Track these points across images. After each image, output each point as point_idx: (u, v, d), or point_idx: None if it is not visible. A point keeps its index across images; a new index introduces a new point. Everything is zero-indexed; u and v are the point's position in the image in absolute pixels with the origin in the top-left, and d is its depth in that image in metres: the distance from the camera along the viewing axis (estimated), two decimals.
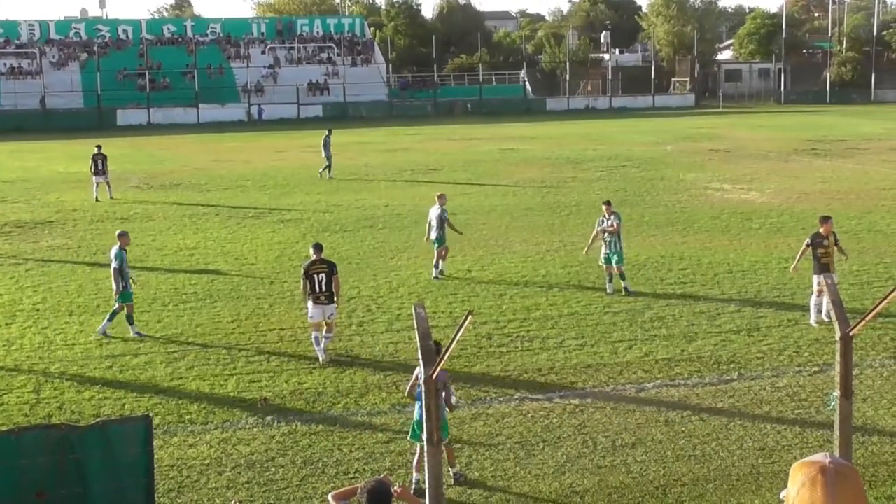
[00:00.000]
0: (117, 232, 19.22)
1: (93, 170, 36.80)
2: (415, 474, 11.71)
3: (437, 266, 22.48)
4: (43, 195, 38.03)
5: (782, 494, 3.45)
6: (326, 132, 43.88)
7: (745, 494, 11.26)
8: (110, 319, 18.38)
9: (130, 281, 18.57)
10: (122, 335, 18.22)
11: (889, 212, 29.94)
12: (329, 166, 42.27)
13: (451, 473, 11.63)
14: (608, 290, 20.59)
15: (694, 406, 13.93)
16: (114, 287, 18.33)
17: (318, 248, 17.34)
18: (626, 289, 20.51)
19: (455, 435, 12.81)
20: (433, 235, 22.42)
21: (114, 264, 18.29)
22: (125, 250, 18.55)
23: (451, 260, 23.45)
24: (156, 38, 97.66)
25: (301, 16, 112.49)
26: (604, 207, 21.09)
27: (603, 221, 20.82)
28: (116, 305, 18.39)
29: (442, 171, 43.09)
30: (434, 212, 22.52)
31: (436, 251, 22.52)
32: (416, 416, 11.43)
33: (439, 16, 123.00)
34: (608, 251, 20.61)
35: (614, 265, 20.61)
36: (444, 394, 11.14)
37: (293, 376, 15.66)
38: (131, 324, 18.33)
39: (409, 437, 12.01)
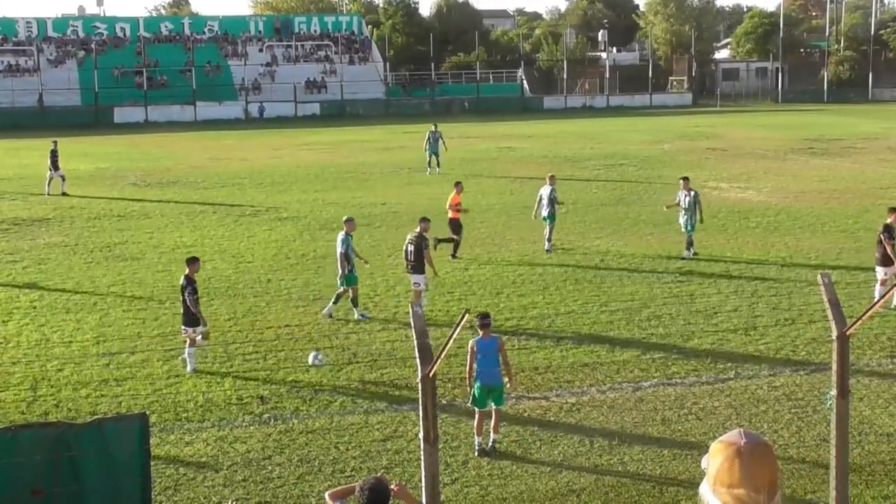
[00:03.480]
0: (344, 218, 19.71)
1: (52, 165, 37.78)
2: (477, 438, 12.53)
3: (549, 240, 24.88)
4: (40, 193, 37.99)
5: (703, 463, 3.84)
6: (433, 127, 43.57)
7: None
8: (335, 302, 18.87)
9: (360, 263, 19.30)
10: (345, 317, 18.76)
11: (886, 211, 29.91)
12: (437, 162, 42.38)
13: (491, 438, 12.47)
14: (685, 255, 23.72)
15: (691, 405, 13.94)
16: (339, 271, 18.88)
17: (420, 220, 19.41)
18: (692, 255, 23.58)
19: (452, 433, 12.83)
20: (544, 213, 24.87)
21: (340, 249, 18.80)
22: (351, 235, 19.05)
23: (447, 258, 23.45)
24: (153, 35, 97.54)
25: (299, 14, 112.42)
26: (682, 182, 24.15)
27: (681, 195, 23.85)
28: (340, 289, 18.88)
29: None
30: (545, 191, 24.95)
31: (548, 227, 24.86)
32: (477, 383, 12.43)
33: (437, 14, 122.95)
34: (686, 220, 23.69)
35: (689, 233, 23.79)
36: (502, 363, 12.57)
37: (290, 374, 15.66)
38: (356, 306, 18.80)
39: (469, 403, 12.79)
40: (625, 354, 16.36)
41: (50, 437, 8.37)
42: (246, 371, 15.91)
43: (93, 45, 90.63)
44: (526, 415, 13.69)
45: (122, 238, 28.02)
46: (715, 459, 3.71)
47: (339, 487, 7.90)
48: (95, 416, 12.26)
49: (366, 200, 34.31)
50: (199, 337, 16.31)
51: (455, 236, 24.37)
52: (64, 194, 37.15)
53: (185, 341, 16.21)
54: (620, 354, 16.36)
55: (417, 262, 18.70)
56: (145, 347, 17.29)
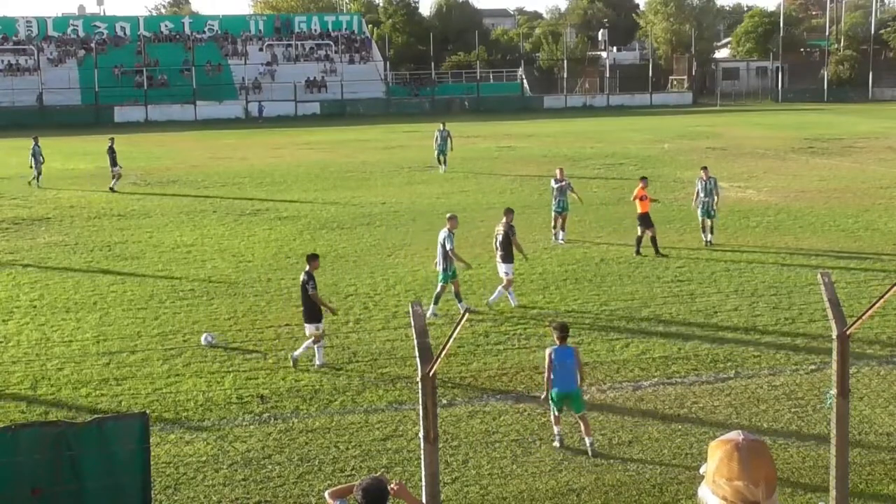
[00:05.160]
0: (447, 215, 19.72)
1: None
2: (555, 427, 12.74)
3: (563, 230, 26.46)
4: (40, 192, 38.03)
5: (702, 469, 3.90)
6: (441, 125, 44.05)
7: None
8: (436, 302, 19.05)
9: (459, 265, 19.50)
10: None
11: (886, 210, 29.96)
12: (444, 160, 42.52)
13: (587, 443, 12.44)
14: (704, 239, 25.39)
15: (690, 404, 13.94)
16: (438, 268, 19.11)
17: (505, 212, 20.24)
18: (710, 241, 25.24)
19: (452, 432, 12.83)
20: (555, 204, 26.72)
21: (449, 245, 18.82)
22: (454, 233, 19.20)
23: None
24: (153, 35, 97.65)
25: (299, 13, 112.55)
26: (702, 172, 25.74)
27: (702, 183, 25.45)
28: (439, 287, 19.09)
29: (439, 168, 43.04)
30: (554, 184, 26.79)
31: (559, 217, 26.63)
32: (555, 389, 12.43)
33: (437, 13, 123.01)
34: (707, 207, 25.36)
35: (710, 219, 25.39)
36: (577, 371, 12.52)
37: (290, 374, 15.65)
38: (460, 301, 18.98)
39: (553, 412, 12.72)
40: (625, 354, 16.36)
41: (50, 436, 8.37)
42: (246, 370, 15.90)
43: (93, 45, 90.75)
44: (526, 413, 13.68)
45: (122, 237, 28.02)
46: (714, 456, 3.76)
47: (339, 486, 7.90)
48: (96, 416, 12.26)
49: (366, 200, 34.31)
50: (317, 332, 16.17)
51: (646, 230, 24.07)
52: (111, 190, 37.50)
53: (311, 338, 16.08)
54: (620, 354, 16.37)
55: (506, 252, 19.53)
56: (145, 347, 17.29)
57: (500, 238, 19.77)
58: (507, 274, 19.62)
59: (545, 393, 12.66)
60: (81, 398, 14.72)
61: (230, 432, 13.27)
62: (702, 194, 25.34)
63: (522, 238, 26.23)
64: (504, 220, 19.98)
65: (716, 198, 25.33)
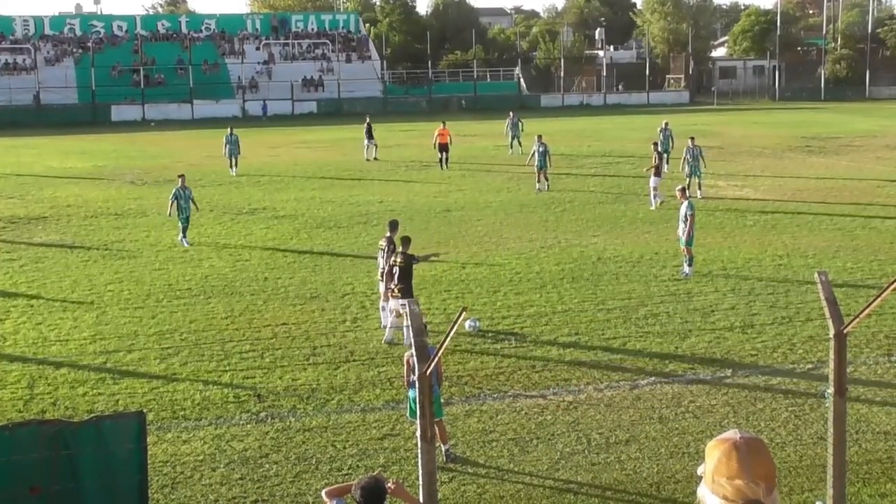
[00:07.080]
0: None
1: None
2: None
3: (540, 181, 35.65)
4: (37, 191, 37.98)
5: (699, 470, 3.86)
6: (511, 115, 50.38)
7: None
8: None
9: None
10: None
11: (883, 209, 29.97)
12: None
13: (442, 451, 12.01)
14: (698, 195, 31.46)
15: (688, 403, 13.94)
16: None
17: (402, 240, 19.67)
18: (701, 195, 31.86)
19: (449, 431, 12.81)
20: (536, 162, 35.49)
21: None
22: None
23: (444, 257, 23.47)
24: (150, 34, 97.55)
25: (296, 12, 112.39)
26: (689, 141, 32.57)
27: (689, 150, 32.38)
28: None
29: (436, 167, 43.04)
30: (535, 147, 35.89)
31: (538, 172, 35.51)
32: (411, 395, 11.91)
33: (434, 12, 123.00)
34: (694, 169, 32.40)
35: (698, 178, 32.47)
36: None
37: (287, 372, 15.65)
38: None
39: (407, 416, 12.54)
40: (622, 352, 16.36)
41: (47, 435, 8.35)
42: (243, 369, 15.90)
43: (90, 44, 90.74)
44: (523, 413, 13.69)
45: (120, 236, 28.00)
46: (712, 455, 3.75)
47: (336, 485, 7.90)
48: (93, 415, 12.25)
49: (363, 198, 34.30)
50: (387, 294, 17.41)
51: None
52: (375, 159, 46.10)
53: (380, 296, 17.95)
54: (617, 352, 16.37)
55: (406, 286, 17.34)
56: (142, 346, 17.27)
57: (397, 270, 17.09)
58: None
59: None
60: (78, 397, 14.70)
61: (227, 431, 13.26)
62: (689, 159, 32.16)
63: (519, 237, 26.38)
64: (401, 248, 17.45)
65: (701, 161, 32.21)
